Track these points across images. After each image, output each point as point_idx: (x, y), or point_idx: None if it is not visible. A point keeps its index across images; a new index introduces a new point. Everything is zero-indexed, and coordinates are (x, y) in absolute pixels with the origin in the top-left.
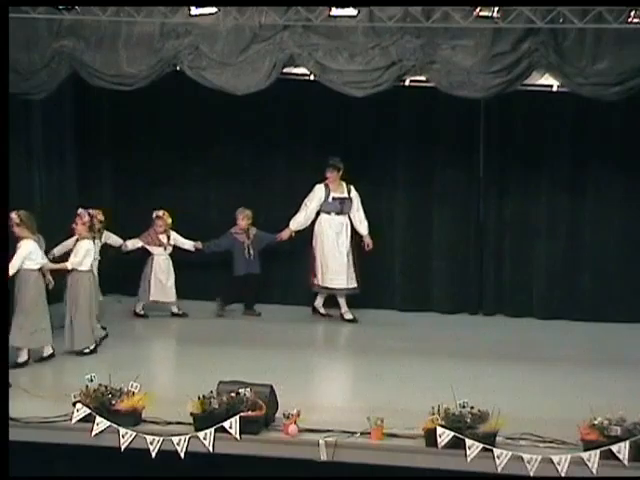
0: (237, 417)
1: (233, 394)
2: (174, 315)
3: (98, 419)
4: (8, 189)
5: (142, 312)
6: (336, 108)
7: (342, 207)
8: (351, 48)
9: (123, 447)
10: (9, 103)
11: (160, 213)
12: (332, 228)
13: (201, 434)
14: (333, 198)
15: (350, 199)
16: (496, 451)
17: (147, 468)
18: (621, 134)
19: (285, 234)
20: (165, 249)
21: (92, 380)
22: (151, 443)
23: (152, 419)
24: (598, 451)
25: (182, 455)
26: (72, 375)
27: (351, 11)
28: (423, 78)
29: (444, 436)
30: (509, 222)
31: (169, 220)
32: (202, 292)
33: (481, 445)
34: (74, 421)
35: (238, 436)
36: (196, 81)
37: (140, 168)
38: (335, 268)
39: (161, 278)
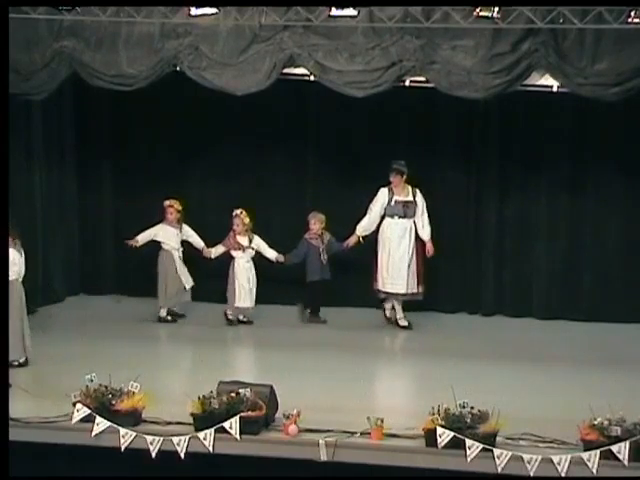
0: (237, 417)
1: (233, 394)
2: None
3: (98, 419)
4: (8, 189)
5: (231, 317)
6: (336, 108)
7: (406, 211)
8: (351, 48)
9: (123, 447)
10: (9, 103)
11: (238, 212)
12: (395, 232)
13: (201, 434)
14: (396, 202)
15: (415, 203)
16: (496, 451)
17: (147, 468)
18: (621, 134)
19: (352, 240)
20: (244, 251)
21: (92, 380)
22: (151, 443)
23: (152, 419)
24: (598, 451)
25: (182, 455)
26: (72, 375)
27: (351, 11)
28: (423, 78)
29: (444, 436)
30: (509, 222)
31: (247, 219)
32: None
33: (481, 445)
34: (74, 421)
35: (238, 436)
36: (196, 81)
37: (140, 168)
38: (394, 272)
39: (243, 283)
